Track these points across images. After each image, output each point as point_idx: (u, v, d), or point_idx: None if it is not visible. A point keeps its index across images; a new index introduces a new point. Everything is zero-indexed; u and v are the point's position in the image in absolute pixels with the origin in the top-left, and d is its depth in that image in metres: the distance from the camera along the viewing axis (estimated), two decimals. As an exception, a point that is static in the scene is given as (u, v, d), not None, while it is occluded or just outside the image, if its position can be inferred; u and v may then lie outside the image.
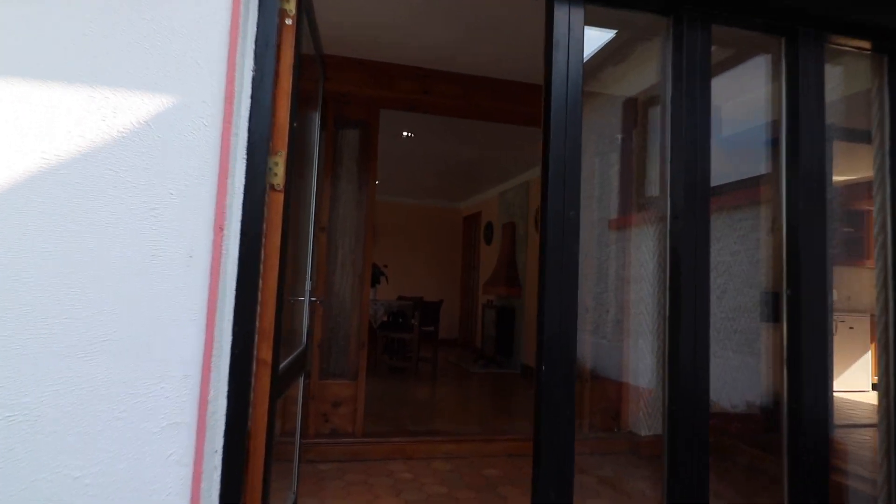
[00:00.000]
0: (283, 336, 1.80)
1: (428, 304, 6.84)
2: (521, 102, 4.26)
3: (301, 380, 2.73)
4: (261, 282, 1.62)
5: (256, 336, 1.60)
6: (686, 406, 1.84)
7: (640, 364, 3.94)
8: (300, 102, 1.85)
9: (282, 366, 1.90)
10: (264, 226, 1.60)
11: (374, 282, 7.33)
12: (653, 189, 3.93)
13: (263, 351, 1.65)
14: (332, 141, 4.03)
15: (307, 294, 2.77)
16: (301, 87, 1.85)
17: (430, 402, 5.27)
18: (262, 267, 1.62)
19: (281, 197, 1.67)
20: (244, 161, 1.55)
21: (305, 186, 2.92)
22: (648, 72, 3.25)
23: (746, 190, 4.20)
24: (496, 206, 8.68)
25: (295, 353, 2.41)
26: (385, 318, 7.86)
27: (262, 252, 1.61)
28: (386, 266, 7.57)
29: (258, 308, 1.61)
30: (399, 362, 6.98)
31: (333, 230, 4.02)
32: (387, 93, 4.05)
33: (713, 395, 1.88)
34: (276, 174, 1.64)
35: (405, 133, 5.80)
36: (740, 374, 4.24)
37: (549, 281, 1.82)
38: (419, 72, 4.03)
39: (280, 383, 1.89)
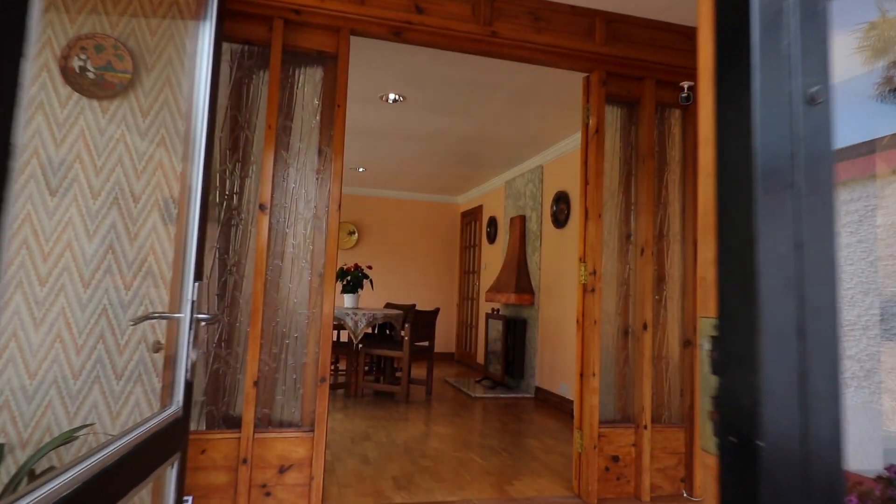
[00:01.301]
0: None
1: (421, 313, 5.53)
2: (565, 32, 2.99)
3: (171, 472, 1.42)
4: None
5: None
6: None
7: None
8: None
9: None
10: None
11: (355, 287, 6.02)
12: None
13: None
14: (278, 84, 2.72)
15: (188, 309, 1.46)
16: None
17: (425, 448, 3.95)
18: None
19: None
20: None
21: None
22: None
23: (858, 159, 2.96)
24: (501, 197, 7.39)
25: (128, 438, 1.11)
26: (369, 331, 6.54)
27: None
28: (370, 267, 6.26)
29: None
30: (386, 385, 5.65)
31: (279, 210, 2.71)
32: (361, 8, 2.76)
33: None
34: None
35: (393, 96, 4.51)
36: (855, 417, 2.99)
37: (765, 259, 0.51)
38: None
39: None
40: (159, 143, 2.24)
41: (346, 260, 8.53)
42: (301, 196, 2.75)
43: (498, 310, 6.54)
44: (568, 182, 5.55)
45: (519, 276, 6.25)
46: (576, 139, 5.36)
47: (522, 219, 6.50)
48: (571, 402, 5.15)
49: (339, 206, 2.79)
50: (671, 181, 3.30)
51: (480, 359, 7.72)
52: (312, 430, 2.65)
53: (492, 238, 7.62)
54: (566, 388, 5.28)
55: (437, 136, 5.56)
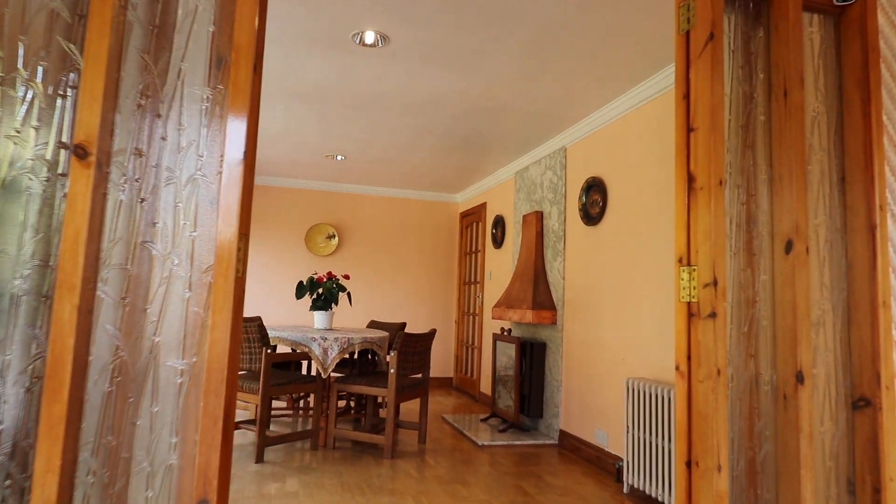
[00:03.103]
0: None
1: (412, 337, 4.21)
2: None
3: None
4: None
5: None
6: None
7: None
8: None
9: None
10: None
11: (328, 302, 4.69)
12: None
13: None
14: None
15: None
16: None
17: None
18: None
19: None
20: None
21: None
22: None
23: None
24: (510, 192, 6.10)
25: None
26: (347, 357, 5.21)
27: None
28: (347, 277, 4.94)
29: None
30: (367, 434, 4.33)
31: (127, 165, 1.39)
32: None
33: None
34: None
35: (371, 35, 3.21)
36: None
37: None
38: None
39: None
40: None
41: (325, 269, 7.22)
42: (174, 141, 1.43)
43: (509, 330, 5.23)
44: (604, 165, 4.26)
45: (536, 288, 4.94)
46: (615, 107, 4.08)
47: (539, 216, 5.20)
48: (614, 455, 3.82)
49: (253, 163, 1.48)
50: (817, 132, 2.01)
51: (485, 387, 6.38)
52: None
53: (498, 241, 6.32)
54: (604, 437, 3.96)
55: (431, 105, 4.27)
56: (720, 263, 1.73)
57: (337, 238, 7.26)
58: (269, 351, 3.79)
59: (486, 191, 6.84)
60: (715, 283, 1.72)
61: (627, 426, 3.42)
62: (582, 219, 4.47)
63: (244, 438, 4.36)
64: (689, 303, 1.77)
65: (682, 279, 1.79)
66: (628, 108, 3.95)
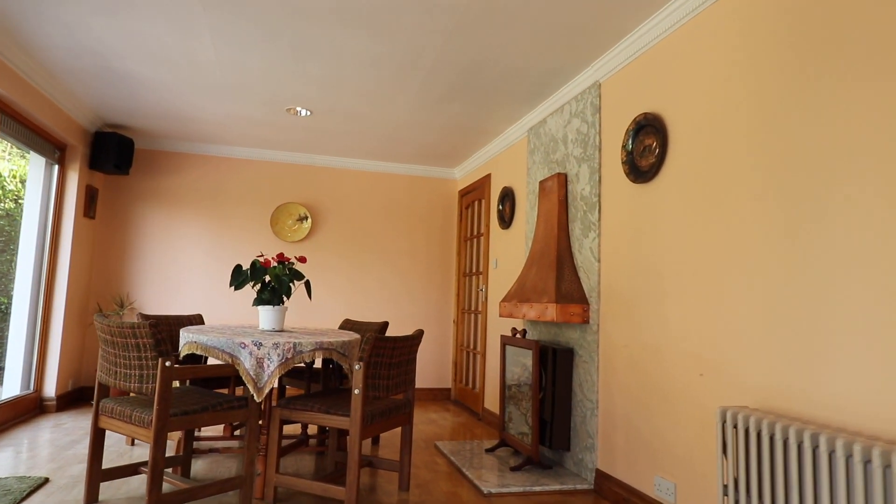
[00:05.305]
0: None
1: (388, 342, 2.92)
2: None
3: None
4: None
5: None
6: None
7: None
8: None
9: None
10: None
11: (278, 295, 3.44)
12: None
13: None
14: None
15: None
16: None
17: None
18: None
19: None
20: None
21: None
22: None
23: None
24: (522, 155, 4.81)
25: None
26: (301, 364, 3.95)
27: None
28: (303, 260, 3.64)
29: None
30: (324, 483, 3.07)
31: None
32: None
33: None
34: None
35: None
36: None
37: None
38: None
39: None
40: None
41: (294, 254, 5.92)
42: None
43: (523, 331, 3.94)
44: (661, 96, 2.97)
45: (560, 275, 3.65)
46: (676, 10, 2.80)
47: (562, 179, 3.91)
48: (691, 524, 2.52)
49: None
50: None
51: (491, 403, 5.09)
52: None
53: (506, 220, 5.03)
54: (670, 489, 2.67)
55: (410, 14, 2.98)
56: None
57: (310, 220, 5.97)
58: (168, 363, 2.50)
59: (489, 159, 5.55)
60: None
61: (725, 486, 2.13)
62: (627, 174, 3.19)
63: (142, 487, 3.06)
64: None
65: None
66: (699, 6, 2.67)
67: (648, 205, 3.03)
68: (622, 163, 3.24)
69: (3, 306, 5.91)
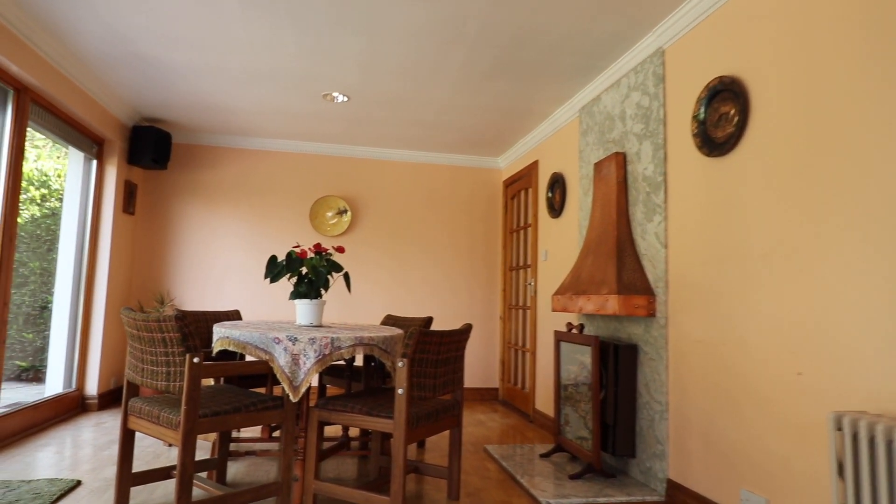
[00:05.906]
0: None
1: (434, 336, 2.65)
2: None
3: None
4: None
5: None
6: None
7: None
8: None
9: None
10: None
11: (316, 288, 3.21)
12: None
13: None
14: None
15: None
16: None
17: None
18: None
19: None
20: None
21: None
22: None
23: None
24: (573, 137, 4.47)
25: None
26: (340, 362, 3.73)
27: None
28: (341, 250, 3.41)
29: None
30: (363, 490, 2.83)
31: None
32: None
33: None
34: None
35: None
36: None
37: None
38: None
39: None
40: None
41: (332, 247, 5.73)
42: None
43: (580, 326, 3.61)
44: (740, 56, 2.61)
45: (621, 264, 3.31)
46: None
47: (620, 159, 3.57)
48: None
49: None
50: None
51: (543, 405, 4.77)
52: None
53: (556, 208, 4.70)
54: (761, 503, 2.31)
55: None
56: None
57: (349, 214, 5.77)
58: (196, 360, 2.30)
59: (537, 145, 5.23)
60: None
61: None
62: (699, 147, 2.83)
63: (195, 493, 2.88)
64: None
65: None
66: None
67: (725, 181, 2.66)
68: (693, 135, 2.88)
69: (49, 304, 5.91)
